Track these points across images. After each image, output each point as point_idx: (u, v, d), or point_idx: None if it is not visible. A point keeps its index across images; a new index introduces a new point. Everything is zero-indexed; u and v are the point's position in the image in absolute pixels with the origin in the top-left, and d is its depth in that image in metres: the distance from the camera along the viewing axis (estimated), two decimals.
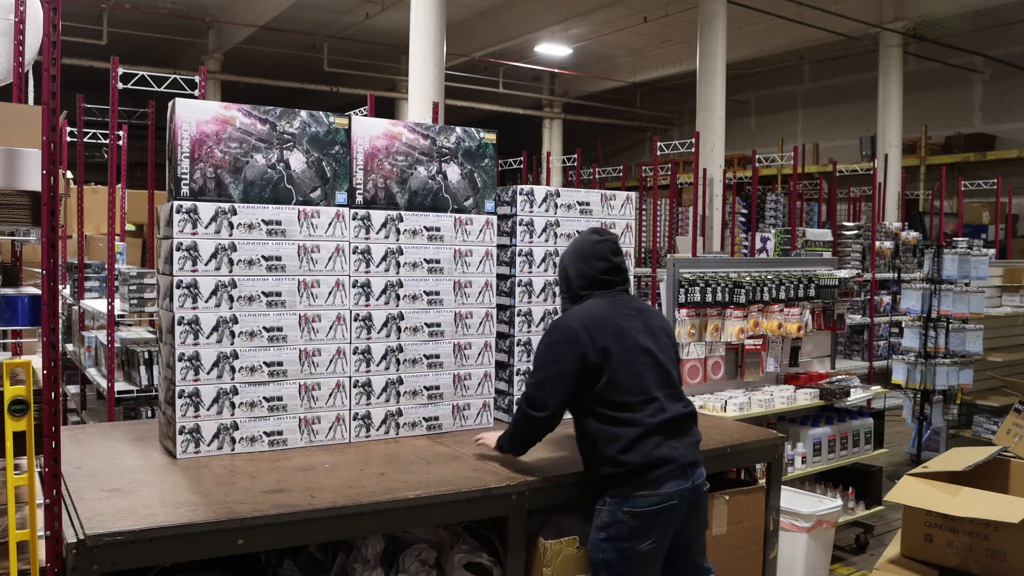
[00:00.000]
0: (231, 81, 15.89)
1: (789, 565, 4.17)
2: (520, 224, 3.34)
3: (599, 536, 2.63)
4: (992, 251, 9.77)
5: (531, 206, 3.35)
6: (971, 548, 3.11)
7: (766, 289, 4.76)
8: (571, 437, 3.12)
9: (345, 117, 3.00)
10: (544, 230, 3.39)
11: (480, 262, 3.25)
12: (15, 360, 2.04)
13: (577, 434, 2.79)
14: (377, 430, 3.06)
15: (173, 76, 5.85)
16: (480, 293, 3.25)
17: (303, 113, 2.89)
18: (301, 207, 2.88)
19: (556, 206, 3.42)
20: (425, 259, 3.13)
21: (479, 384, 3.27)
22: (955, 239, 6.55)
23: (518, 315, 3.36)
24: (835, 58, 16.44)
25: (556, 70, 18.06)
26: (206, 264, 2.74)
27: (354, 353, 2.99)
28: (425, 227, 3.12)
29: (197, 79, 5.47)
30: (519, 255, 3.36)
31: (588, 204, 3.51)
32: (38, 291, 2.34)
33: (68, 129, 7.06)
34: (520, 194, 3.33)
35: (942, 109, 15.54)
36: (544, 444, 2.82)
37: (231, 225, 2.77)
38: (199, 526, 2.12)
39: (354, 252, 2.99)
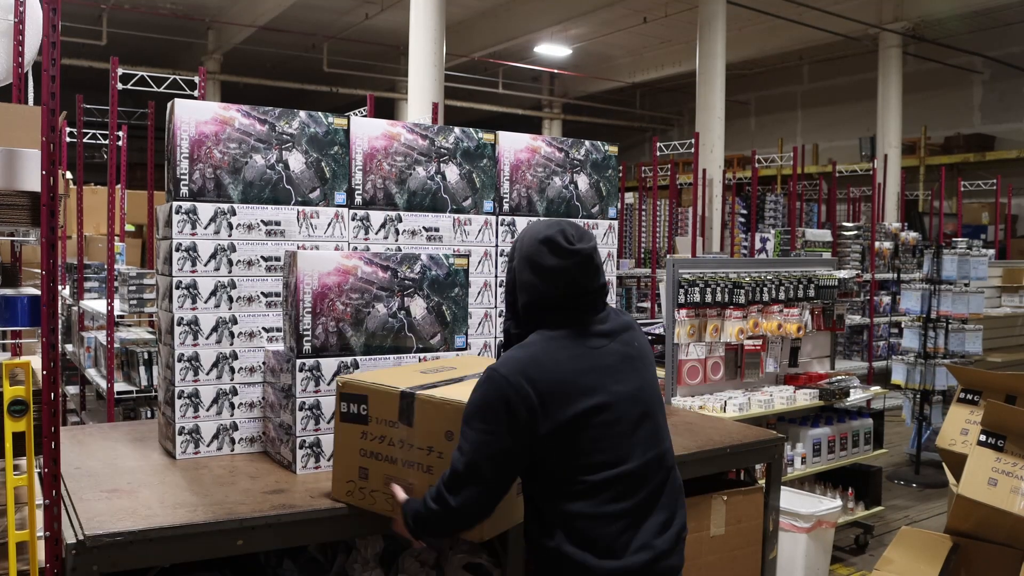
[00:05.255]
0: (231, 82, 15.89)
1: (788, 565, 4.18)
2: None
3: None
4: (991, 251, 9.78)
5: (512, 236, 3.34)
6: None
7: (765, 290, 4.76)
8: None
9: (344, 117, 3.00)
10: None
11: (479, 262, 3.25)
12: (15, 360, 2.04)
13: (528, 511, 2.11)
14: None
15: (173, 76, 5.85)
16: (479, 293, 3.25)
17: (302, 113, 2.90)
18: (300, 207, 2.88)
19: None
20: None
21: None
22: (954, 239, 6.56)
23: None
24: (835, 58, 16.45)
25: (556, 70, 18.06)
26: (205, 264, 2.74)
27: None
28: (424, 227, 3.13)
29: (196, 79, 5.47)
30: None
31: None
32: (38, 291, 2.34)
33: (68, 129, 7.06)
34: (502, 224, 3.32)
35: (942, 109, 15.55)
36: None
37: (230, 226, 2.77)
38: (199, 527, 2.12)
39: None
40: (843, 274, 5.29)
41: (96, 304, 5.51)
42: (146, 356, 4.98)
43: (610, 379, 2.03)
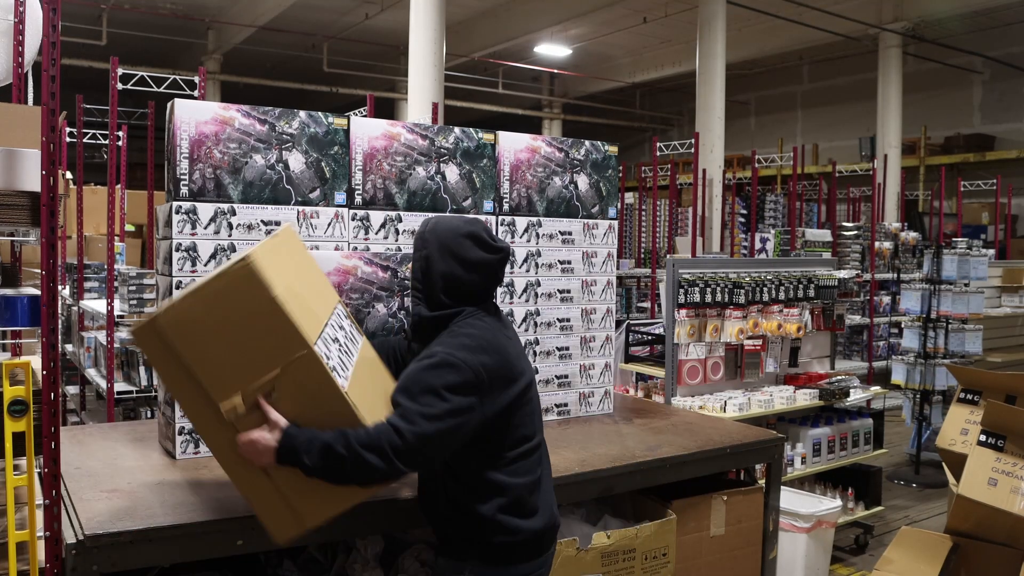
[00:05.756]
0: (231, 82, 15.90)
1: (788, 565, 4.18)
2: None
3: None
4: (991, 251, 9.78)
5: (512, 236, 3.34)
6: None
7: (765, 290, 4.76)
8: (566, 434, 3.12)
9: (344, 117, 3.00)
10: (525, 260, 3.38)
11: None
12: (15, 361, 2.04)
13: (436, 483, 2.23)
14: None
15: (173, 76, 5.86)
16: None
17: (302, 113, 2.90)
18: (300, 207, 2.88)
19: (538, 236, 3.41)
20: None
21: None
22: (954, 239, 6.56)
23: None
24: (835, 58, 16.45)
25: (556, 70, 18.07)
26: (205, 265, 2.74)
27: None
28: None
29: (196, 79, 5.47)
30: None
31: (570, 233, 3.47)
32: (37, 292, 2.34)
33: (68, 129, 7.06)
34: (502, 224, 3.32)
35: (941, 109, 15.55)
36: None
37: (230, 226, 2.77)
38: (199, 526, 2.12)
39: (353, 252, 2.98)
40: (843, 274, 5.29)
41: (96, 304, 5.51)
42: (146, 356, 4.97)
43: (525, 363, 2.31)
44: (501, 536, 2.19)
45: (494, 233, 2.29)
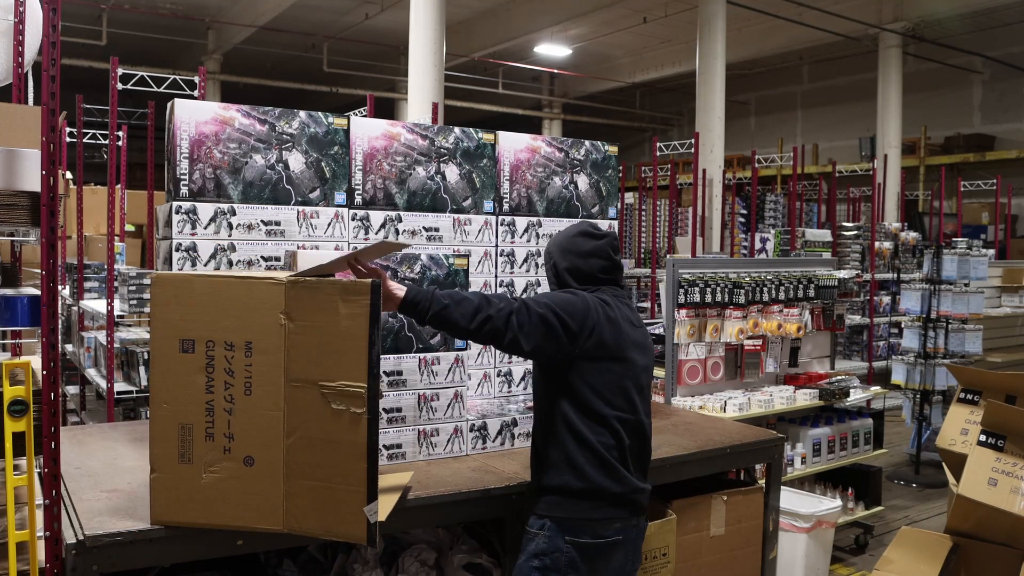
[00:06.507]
0: (230, 82, 15.89)
1: (788, 565, 4.18)
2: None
3: (531, 564, 2.39)
4: (991, 251, 9.78)
5: (512, 236, 3.34)
6: None
7: (765, 290, 4.76)
8: None
9: (344, 117, 3.00)
10: (525, 260, 3.39)
11: (479, 262, 3.25)
12: (15, 361, 2.04)
13: (542, 421, 2.51)
14: None
15: (172, 76, 5.85)
16: None
17: (302, 113, 2.89)
18: (300, 207, 2.88)
19: (538, 236, 3.41)
20: None
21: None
22: (954, 239, 6.56)
23: None
24: (835, 58, 16.45)
25: (556, 70, 18.07)
26: (205, 265, 2.74)
27: None
28: (424, 227, 3.13)
29: (196, 79, 5.47)
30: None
31: None
32: (37, 292, 2.34)
33: (68, 129, 7.05)
34: (501, 224, 3.33)
35: (941, 109, 15.55)
36: None
37: (230, 226, 2.77)
38: (199, 526, 2.12)
39: None
40: (843, 274, 5.29)
41: (96, 304, 5.50)
42: (146, 356, 4.97)
43: (635, 351, 2.52)
44: (572, 479, 2.38)
45: (595, 224, 2.65)
